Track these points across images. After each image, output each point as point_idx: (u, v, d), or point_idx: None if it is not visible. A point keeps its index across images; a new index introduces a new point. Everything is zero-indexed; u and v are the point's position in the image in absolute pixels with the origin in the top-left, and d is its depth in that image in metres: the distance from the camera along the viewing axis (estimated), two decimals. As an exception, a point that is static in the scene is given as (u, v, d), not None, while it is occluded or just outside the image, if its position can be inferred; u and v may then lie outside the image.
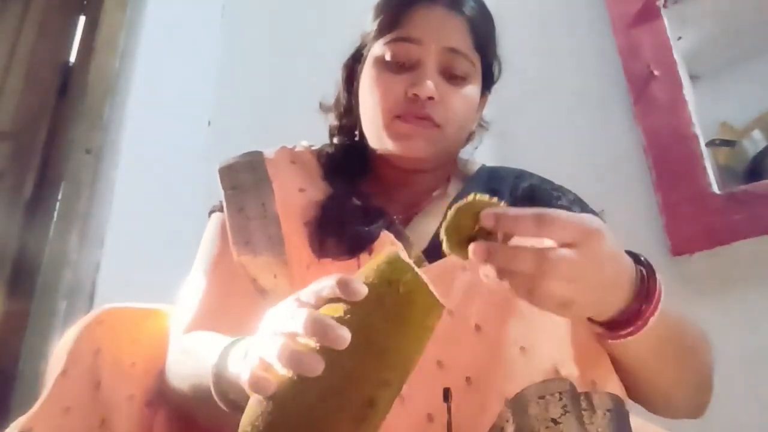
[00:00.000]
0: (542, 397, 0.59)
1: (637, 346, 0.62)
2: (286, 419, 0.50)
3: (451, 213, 0.56)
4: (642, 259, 0.61)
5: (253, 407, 0.52)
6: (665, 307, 0.63)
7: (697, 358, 0.70)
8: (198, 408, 0.70)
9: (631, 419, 0.64)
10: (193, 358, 0.71)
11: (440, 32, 0.85)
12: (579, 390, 0.60)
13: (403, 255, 0.53)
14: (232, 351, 0.62)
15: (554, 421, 0.58)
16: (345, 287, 0.50)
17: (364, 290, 0.50)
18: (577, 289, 0.53)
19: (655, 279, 0.59)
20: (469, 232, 0.55)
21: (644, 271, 0.60)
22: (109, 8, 1.79)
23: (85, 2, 1.84)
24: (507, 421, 0.59)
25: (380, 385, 0.50)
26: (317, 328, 0.48)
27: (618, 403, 0.61)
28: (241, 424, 0.53)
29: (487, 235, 0.54)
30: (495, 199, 0.56)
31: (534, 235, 0.53)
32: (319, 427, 0.49)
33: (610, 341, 0.61)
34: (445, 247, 0.57)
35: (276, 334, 0.52)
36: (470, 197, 0.56)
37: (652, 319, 0.58)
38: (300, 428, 0.50)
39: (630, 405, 0.66)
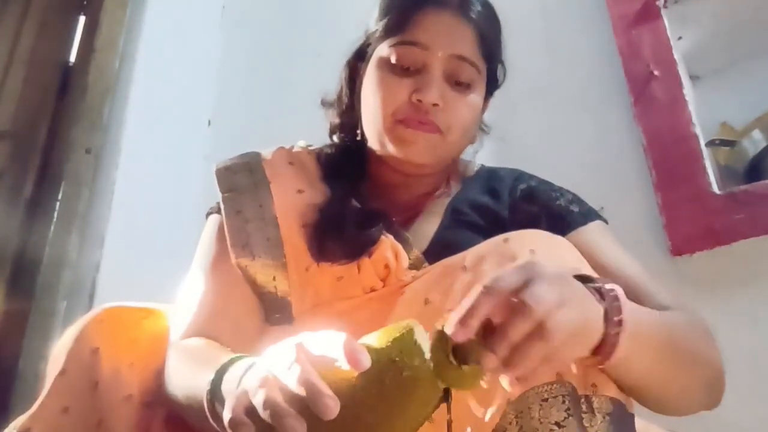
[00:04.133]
0: (545, 400, 0.59)
1: (632, 363, 0.60)
2: None
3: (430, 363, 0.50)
4: (590, 277, 0.60)
5: None
6: (648, 316, 0.63)
7: (703, 357, 0.70)
8: (192, 417, 0.70)
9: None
10: (190, 370, 0.70)
11: (448, 39, 0.84)
12: (579, 393, 0.60)
13: (419, 333, 0.50)
14: (228, 372, 0.62)
15: (558, 424, 0.57)
16: (350, 355, 0.48)
17: (366, 363, 0.48)
18: (569, 307, 0.51)
19: (609, 292, 0.58)
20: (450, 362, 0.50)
21: (600, 287, 0.58)
22: (109, 8, 1.79)
23: (85, 2, 1.84)
24: (510, 423, 0.58)
25: None
26: (308, 391, 0.47)
27: (619, 406, 0.61)
28: None
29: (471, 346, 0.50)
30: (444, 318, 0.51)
31: (493, 308, 0.50)
32: None
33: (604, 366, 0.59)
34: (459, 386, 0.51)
35: (267, 380, 0.50)
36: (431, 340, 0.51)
37: (622, 335, 0.56)
38: None
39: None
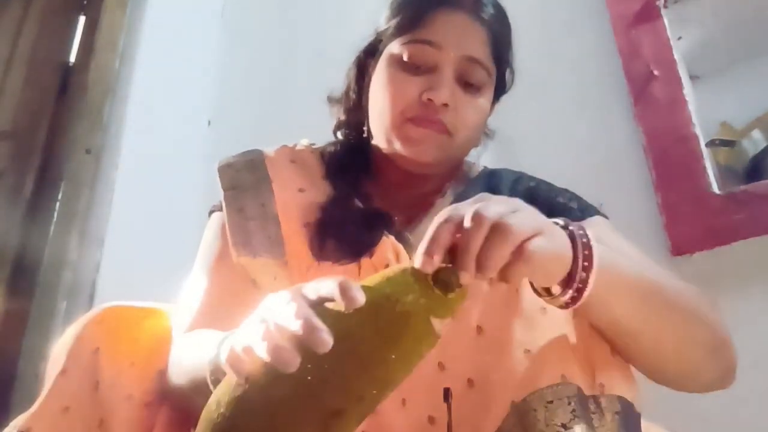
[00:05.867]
0: (550, 402, 0.58)
1: (610, 303, 0.62)
2: (251, 407, 0.49)
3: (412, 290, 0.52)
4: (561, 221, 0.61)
5: (225, 387, 0.52)
6: (622, 260, 0.63)
7: (701, 315, 0.69)
8: (197, 402, 0.70)
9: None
10: (192, 352, 0.70)
11: (461, 39, 0.84)
12: (587, 393, 0.60)
13: (414, 274, 0.51)
14: (227, 341, 0.62)
15: (564, 426, 0.57)
16: (344, 292, 0.49)
17: (361, 299, 0.48)
18: (523, 214, 0.53)
19: (579, 234, 0.59)
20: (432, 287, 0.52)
21: (563, 223, 0.60)
22: (109, 8, 1.79)
23: (85, 2, 1.84)
24: (514, 425, 0.58)
25: (353, 399, 0.49)
26: (303, 325, 0.48)
27: (626, 405, 0.61)
28: (209, 400, 0.52)
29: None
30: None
31: (454, 236, 0.52)
32: (281, 424, 0.49)
33: (580, 308, 0.60)
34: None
35: (264, 320, 0.51)
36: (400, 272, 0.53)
37: (593, 269, 0.57)
38: (262, 420, 0.49)
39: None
